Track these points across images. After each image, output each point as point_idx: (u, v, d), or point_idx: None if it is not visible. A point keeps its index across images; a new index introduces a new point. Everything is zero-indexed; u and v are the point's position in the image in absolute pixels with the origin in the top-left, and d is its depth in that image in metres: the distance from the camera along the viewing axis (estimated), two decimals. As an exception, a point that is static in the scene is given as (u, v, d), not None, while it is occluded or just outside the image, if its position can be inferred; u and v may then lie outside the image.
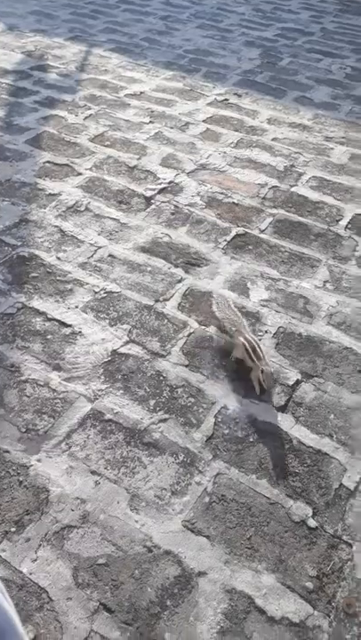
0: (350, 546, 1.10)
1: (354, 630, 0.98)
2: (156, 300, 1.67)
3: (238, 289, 1.75)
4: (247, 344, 1.41)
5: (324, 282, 1.80)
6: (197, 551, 1.08)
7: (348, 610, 1.00)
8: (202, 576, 1.04)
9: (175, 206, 2.10)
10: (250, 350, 1.39)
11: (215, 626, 0.97)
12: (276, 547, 1.09)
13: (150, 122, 2.66)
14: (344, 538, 1.11)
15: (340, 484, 1.21)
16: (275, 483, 1.21)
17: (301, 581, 1.04)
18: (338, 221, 2.07)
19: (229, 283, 1.77)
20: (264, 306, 1.69)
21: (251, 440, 1.30)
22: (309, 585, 1.04)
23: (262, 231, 2.01)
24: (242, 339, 1.43)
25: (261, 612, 1.00)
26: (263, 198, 2.17)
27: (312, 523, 1.14)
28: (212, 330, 1.58)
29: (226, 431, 1.32)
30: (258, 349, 1.39)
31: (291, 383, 1.45)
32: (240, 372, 1.44)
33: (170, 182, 2.22)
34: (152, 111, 2.76)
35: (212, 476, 1.21)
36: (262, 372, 1.34)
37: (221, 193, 2.19)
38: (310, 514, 1.15)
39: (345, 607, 1.01)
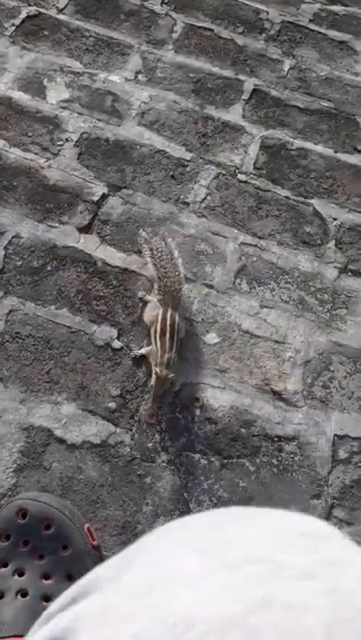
0: (156, 360, 1.07)
1: (155, 437, 0.99)
2: None
3: (32, 89, 1.43)
4: (159, 324, 1.01)
5: (136, 73, 1.52)
6: (-11, 396, 0.99)
7: (149, 420, 1.00)
8: (-5, 420, 0.97)
9: None
10: (157, 333, 1.01)
11: (11, 465, 0.93)
12: (77, 375, 1.03)
13: None
14: (150, 353, 1.08)
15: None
16: (77, 310, 1.11)
17: (104, 403, 1.01)
18: (153, -7, 1.70)
19: (21, 82, 1.43)
20: (65, 108, 1.41)
21: (49, 269, 1.15)
22: (112, 405, 1.01)
23: (61, 11, 1.60)
24: (159, 313, 1.03)
25: (61, 441, 0.96)
26: (60, -36, 1.70)
27: (117, 344, 1.08)
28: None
29: (19, 263, 1.15)
30: (168, 336, 1.00)
31: (96, 199, 1.27)
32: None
33: None
34: None
35: (3, 315, 1.08)
36: (156, 375, 0.97)
37: None
38: (115, 335, 1.09)
39: (147, 418, 1.00)
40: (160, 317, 1.03)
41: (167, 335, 1.01)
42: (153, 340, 1.03)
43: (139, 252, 1.20)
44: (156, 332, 1.02)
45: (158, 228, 1.18)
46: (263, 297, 1.19)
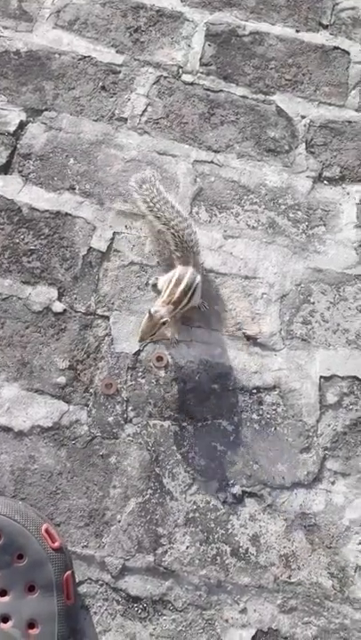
0: (107, 319, 0.91)
1: (116, 409, 0.86)
2: None
3: None
4: (177, 275, 0.88)
5: None
6: None
7: (107, 391, 0.87)
8: None
9: None
10: (171, 282, 0.87)
11: None
12: (16, 350, 0.88)
13: None
14: (99, 312, 0.92)
15: (90, 248, 0.96)
16: (4, 271, 0.93)
17: (51, 379, 0.87)
18: None
19: None
20: None
21: (-34, 224, 0.96)
22: (61, 380, 0.87)
23: None
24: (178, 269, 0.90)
25: (6, 429, 0.83)
26: None
27: (58, 307, 0.92)
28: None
29: None
30: (181, 289, 0.86)
31: (12, 129, 1.05)
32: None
33: None
34: None
35: None
36: (148, 314, 0.82)
37: None
38: (55, 296, 0.92)
39: (104, 389, 0.87)
40: (178, 271, 0.88)
41: (181, 287, 0.85)
42: (165, 286, 0.88)
43: (72, 189, 1.00)
44: (170, 281, 0.87)
45: (143, 174, 0.96)
46: (226, 225, 1.01)
